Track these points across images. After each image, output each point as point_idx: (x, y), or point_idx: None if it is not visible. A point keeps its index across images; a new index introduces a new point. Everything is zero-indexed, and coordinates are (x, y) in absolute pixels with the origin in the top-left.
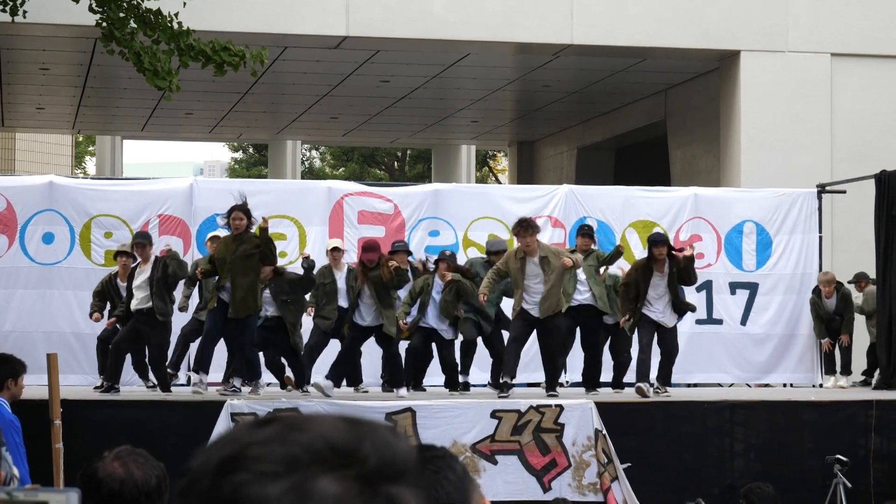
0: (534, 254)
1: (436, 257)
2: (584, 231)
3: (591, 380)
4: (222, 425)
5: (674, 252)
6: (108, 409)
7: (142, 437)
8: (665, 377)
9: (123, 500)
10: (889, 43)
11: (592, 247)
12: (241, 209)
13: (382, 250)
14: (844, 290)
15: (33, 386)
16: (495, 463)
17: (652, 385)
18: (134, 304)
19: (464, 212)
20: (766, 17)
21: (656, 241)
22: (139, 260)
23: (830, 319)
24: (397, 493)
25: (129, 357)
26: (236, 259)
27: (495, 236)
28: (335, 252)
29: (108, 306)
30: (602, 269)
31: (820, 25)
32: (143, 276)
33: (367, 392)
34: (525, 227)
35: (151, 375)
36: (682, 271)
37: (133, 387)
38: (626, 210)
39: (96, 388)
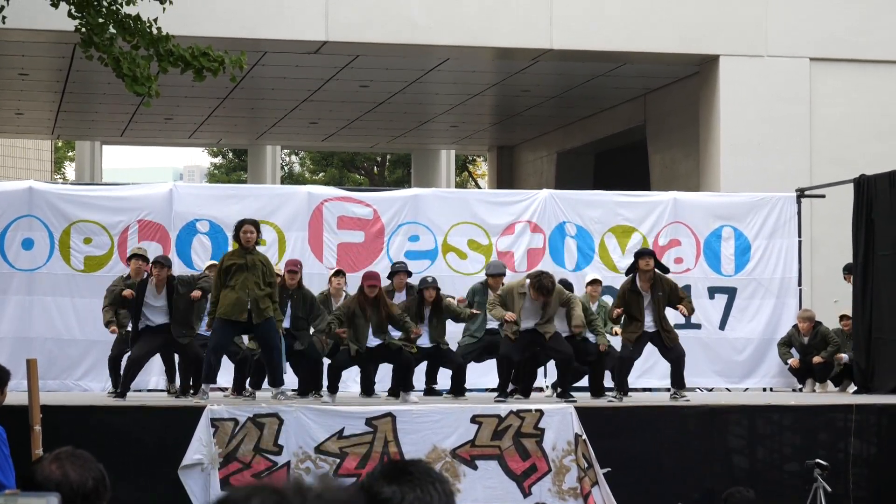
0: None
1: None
2: (597, 281)
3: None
4: (202, 431)
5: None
6: (88, 415)
7: (121, 443)
8: (678, 382)
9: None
10: (868, 47)
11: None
12: (253, 223)
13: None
14: (822, 329)
15: (13, 391)
16: (475, 468)
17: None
18: (155, 321)
19: (443, 217)
20: (745, 21)
21: (643, 253)
22: (152, 277)
23: (805, 353)
24: None
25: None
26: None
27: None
28: (338, 277)
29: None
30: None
31: (799, 30)
32: (160, 301)
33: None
34: (539, 287)
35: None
36: (673, 297)
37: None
38: (606, 215)
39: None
